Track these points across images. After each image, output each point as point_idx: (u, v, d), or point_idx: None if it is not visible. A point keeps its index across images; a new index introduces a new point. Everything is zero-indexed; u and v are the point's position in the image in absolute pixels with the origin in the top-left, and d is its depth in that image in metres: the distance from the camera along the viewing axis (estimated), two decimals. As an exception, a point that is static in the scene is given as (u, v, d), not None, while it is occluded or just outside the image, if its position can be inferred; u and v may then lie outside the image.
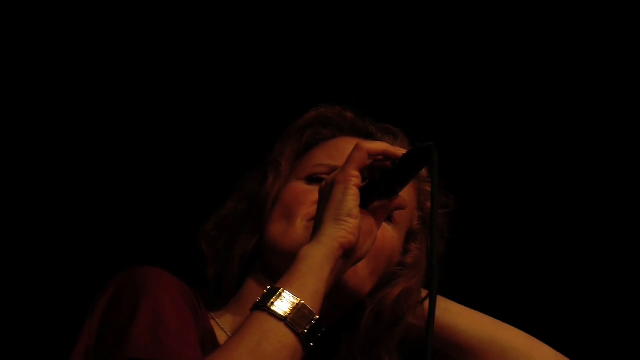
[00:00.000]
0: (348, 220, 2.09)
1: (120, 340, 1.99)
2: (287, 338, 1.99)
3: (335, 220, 2.09)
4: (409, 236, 2.49)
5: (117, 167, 3.27)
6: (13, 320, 3.18)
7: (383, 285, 2.45)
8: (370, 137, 2.52)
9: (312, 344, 2.03)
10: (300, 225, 2.36)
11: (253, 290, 2.37)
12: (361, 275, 2.33)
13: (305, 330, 2.00)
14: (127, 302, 2.05)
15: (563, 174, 3.46)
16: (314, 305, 2.02)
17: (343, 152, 2.41)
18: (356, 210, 2.09)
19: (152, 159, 3.29)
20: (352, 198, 2.09)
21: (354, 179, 2.11)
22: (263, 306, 2.00)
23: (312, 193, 2.39)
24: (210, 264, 2.45)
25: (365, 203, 2.15)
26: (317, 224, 2.12)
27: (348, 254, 2.10)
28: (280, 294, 2.01)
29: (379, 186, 2.16)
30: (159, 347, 1.97)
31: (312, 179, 2.44)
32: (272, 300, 2.00)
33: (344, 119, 2.54)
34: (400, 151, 2.14)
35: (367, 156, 2.13)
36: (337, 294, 2.23)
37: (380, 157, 2.15)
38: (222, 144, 3.28)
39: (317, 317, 2.02)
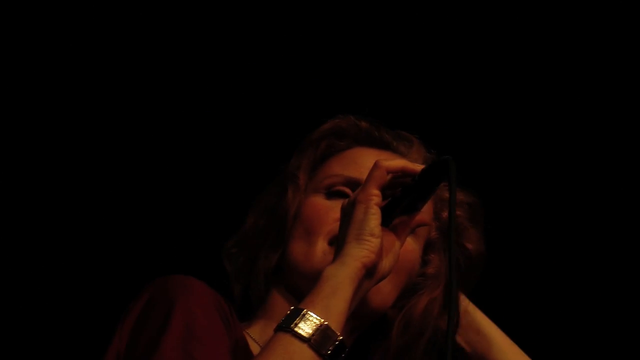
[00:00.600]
0: (370, 239, 2.10)
1: (151, 352, 2.02)
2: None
3: (358, 240, 2.11)
4: (428, 246, 2.52)
5: (144, 184, 3.30)
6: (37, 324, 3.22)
7: (407, 296, 2.48)
8: (386, 145, 2.54)
9: None
10: (321, 247, 2.38)
11: (280, 302, 2.40)
12: (384, 290, 2.35)
13: (329, 351, 2.02)
14: (159, 311, 2.08)
15: (573, 179, 3.47)
16: (337, 326, 2.04)
17: (358, 162, 2.47)
18: (378, 230, 2.11)
19: (178, 175, 3.32)
20: (373, 217, 2.11)
21: (375, 197, 2.13)
22: (287, 327, 2.02)
23: (333, 210, 2.40)
24: (234, 281, 2.47)
25: (387, 221, 2.16)
26: (340, 243, 2.14)
27: (371, 273, 2.12)
28: (304, 315, 2.03)
29: (400, 203, 2.17)
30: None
31: (330, 193, 2.45)
32: (295, 321, 2.02)
33: (359, 129, 2.55)
34: (419, 167, 2.14)
35: (386, 174, 2.14)
36: (360, 310, 2.24)
37: (400, 173, 2.16)
38: (237, 156, 3.29)
39: (341, 337, 2.03)
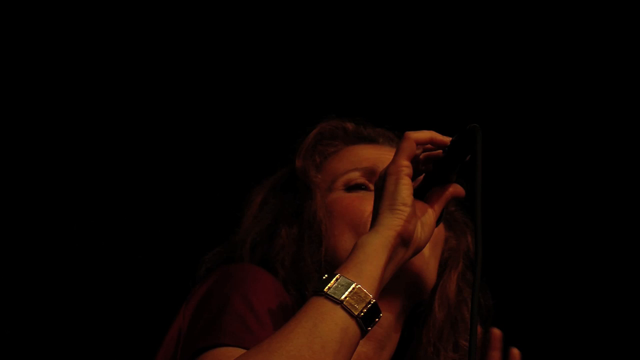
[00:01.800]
0: (403, 208, 2.11)
1: (212, 325, 2.10)
2: (342, 320, 2.02)
3: (391, 210, 2.11)
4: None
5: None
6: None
7: (441, 273, 2.52)
8: (372, 139, 2.59)
9: (369, 327, 2.06)
10: None
11: None
12: (431, 264, 2.38)
13: (362, 313, 2.03)
14: (222, 290, 2.16)
15: (570, 179, 3.56)
16: (370, 289, 2.05)
17: (361, 156, 2.51)
18: (410, 199, 2.12)
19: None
20: (405, 187, 2.12)
21: (405, 168, 2.14)
22: (320, 291, 2.04)
23: (364, 200, 2.43)
24: (288, 282, 2.43)
25: (421, 194, 2.17)
26: (374, 216, 2.15)
27: (406, 243, 2.13)
28: (337, 279, 2.04)
29: (433, 176, 2.18)
30: (247, 335, 2.07)
31: (349, 188, 2.47)
32: (328, 285, 2.04)
33: (346, 130, 2.60)
34: (447, 138, 2.16)
35: (415, 145, 2.16)
36: (413, 287, 2.31)
37: (429, 145, 2.18)
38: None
39: (374, 300, 2.05)
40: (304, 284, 2.41)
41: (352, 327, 2.03)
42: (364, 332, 2.06)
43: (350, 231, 2.41)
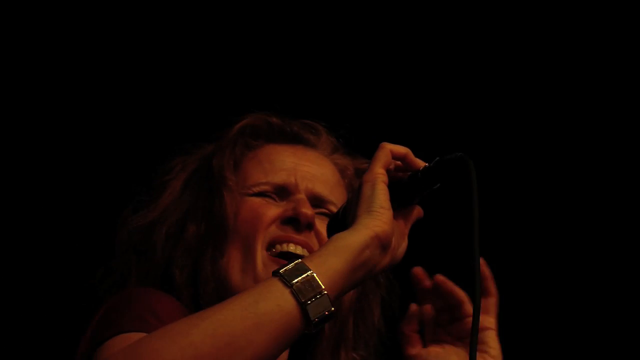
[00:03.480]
0: (381, 211, 2.05)
1: (112, 323, 2.06)
2: (286, 303, 1.94)
3: (369, 212, 2.05)
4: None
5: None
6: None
7: None
8: (297, 139, 2.60)
9: (316, 321, 1.96)
10: (260, 257, 2.40)
11: None
12: None
13: (309, 302, 1.94)
14: (122, 303, 2.12)
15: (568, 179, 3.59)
16: (326, 281, 1.96)
17: (276, 164, 2.52)
18: (388, 204, 2.06)
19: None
20: (382, 192, 2.07)
21: (381, 175, 2.09)
22: (277, 272, 1.97)
23: (265, 207, 2.45)
24: (182, 288, 2.44)
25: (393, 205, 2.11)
26: (350, 222, 2.08)
27: (384, 247, 2.04)
28: (296, 264, 1.98)
29: (404, 187, 2.13)
30: (145, 324, 2.03)
31: (257, 194, 2.49)
32: (287, 267, 1.97)
33: (270, 125, 2.60)
34: (421, 163, 2.12)
35: (390, 156, 2.11)
36: None
37: (399, 163, 2.13)
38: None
39: (325, 292, 1.95)
40: (200, 296, 2.40)
41: (295, 314, 1.94)
42: (308, 324, 1.96)
43: (243, 247, 2.41)
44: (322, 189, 2.50)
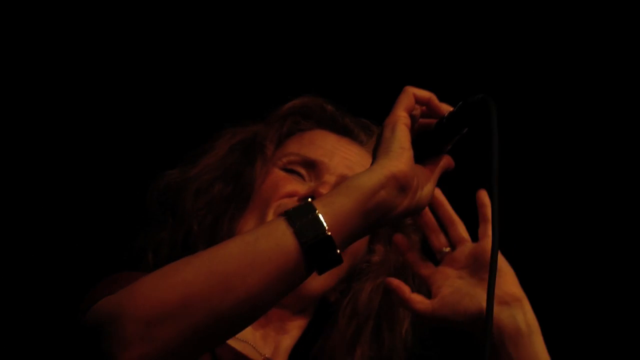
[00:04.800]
0: (399, 151, 1.93)
1: (102, 292, 1.95)
2: (286, 243, 1.83)
3: (387, 153, 1.93)
4: (374, 235, 2.54)
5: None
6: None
7: (350, 281, 2.53)
8: (347, 132, 2.61)
9: (320, 265, 1.86)
10: (270, 219, 2.42)
11: None
12: None
13: (310, 243, 1.83)
14: (110, 281, 2.07)
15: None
16: (331, 222, 1.85)
17: (316, 144, 2.53)
18: (408, 144, 1.95)
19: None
20: (402, 134, 1.95)
21: (402, 118, 1.97)
22: (285, 212, 1.87)
23: (289, 181, 2.47)
24: (198, 241, 2.46)
25: (417, 157, 2.01)
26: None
27: (403, 188, 1.92)
28: (305, 204, 1.87)
29: (426, 145, 2.04)
30: (115, 287, 1.92)
31: (286, 170, 2.51)
32: (295, 207, 1.88)
33: (325, 112, 2.61)
34: (445, 107, 2.02)
35: (413, 99, 2.00)
36: (300, 290, 2.24)
37: (424, 108, 2.03)
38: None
39: (329, 234, 1.84)
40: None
41: (294, 255, 1.83)
42: (308, 268, 1.85)
43: (258, 209, 2.43)
44: None
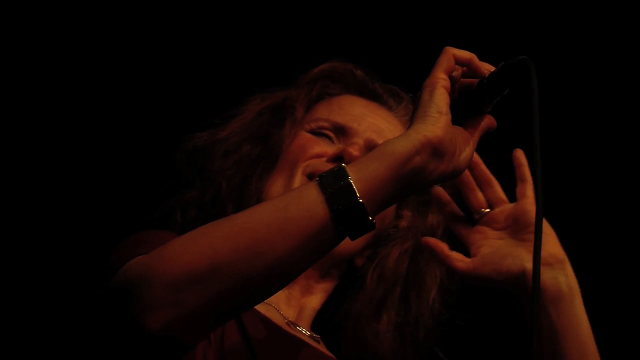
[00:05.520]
0: (436, 115, 1.88)
1: (130, 251, 1.96)
2: (317, 209, 1.80)
3: (423, 117, 1.88)
4: (401, 201, 2.54)
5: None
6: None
7: (378, 246, 2.53)
8: (376, 98, 2.60)
9: (351, 233, 1.82)
10: (299, 180, 2.43)
11: None
12: None
13: (341, 209, 1.79)
14: (138, 239, 2.07)
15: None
16: (364, 188, 1.81)
17: (344, 109, 2.54)
18: (446, 108, 1.90)
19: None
20: (440, 97, 1.91)
21: (441, 80, 1.92)
22: (319, 176, 1.84)
23: (317, 143, 2.49)
24: (227, 201, 2.46)
25: (456, 118, 1.98)
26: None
27: (438, 153, 1.87)
28: (338, 169, 1.83)
29: (467, 106, 2.00)
30: (143, 249, 1.92)
31: (315, 133, 2.52)
32: (328, 171, 1.84)
33: (354, 76, 2.61)
34: (487, 67, 1.98)
35: (453, 61, 1.96)
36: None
37: (465, 69, 1.98)
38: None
39: (360, 201, 1.80)
40: (240, 206, 2.40)
41: (325, 222, 1.80)
42: (339, 235, 1.82)
43: (286, 170, 2.45)
44: None
